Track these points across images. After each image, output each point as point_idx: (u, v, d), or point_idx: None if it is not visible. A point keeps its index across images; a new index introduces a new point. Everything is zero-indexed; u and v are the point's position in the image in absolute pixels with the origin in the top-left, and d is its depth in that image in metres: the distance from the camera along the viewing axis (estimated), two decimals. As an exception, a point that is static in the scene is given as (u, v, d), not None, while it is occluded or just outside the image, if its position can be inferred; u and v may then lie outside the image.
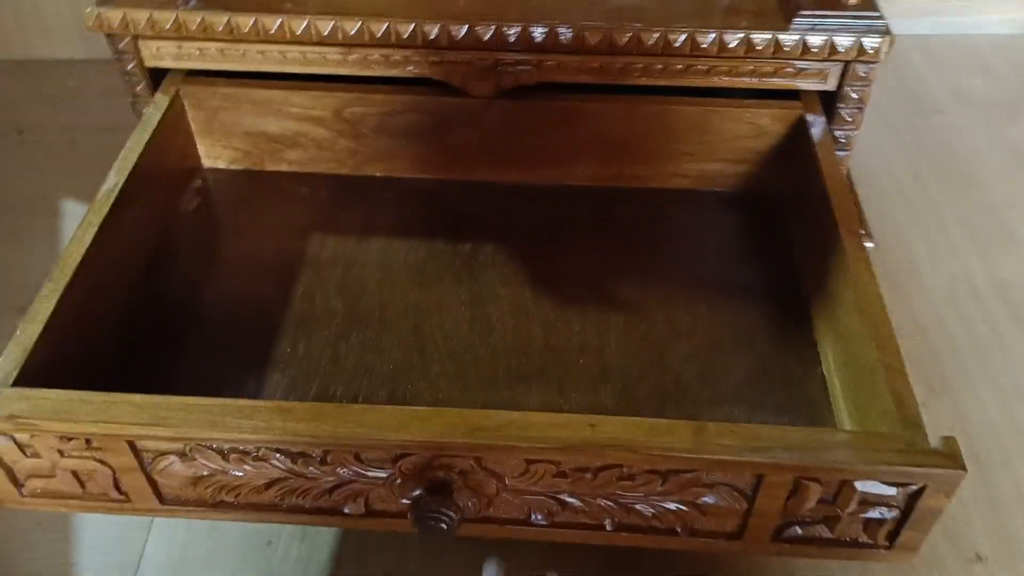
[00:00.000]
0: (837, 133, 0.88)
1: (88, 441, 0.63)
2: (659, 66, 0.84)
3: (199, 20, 0.83)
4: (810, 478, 0.60)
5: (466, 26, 0.81)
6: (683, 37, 0.80)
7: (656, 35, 0.81)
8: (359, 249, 0.87)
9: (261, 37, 0.83)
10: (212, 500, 0.68)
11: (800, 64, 0.84)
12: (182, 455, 0.64)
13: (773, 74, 0.84)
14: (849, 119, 0.88)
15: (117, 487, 0.67)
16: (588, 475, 0.62)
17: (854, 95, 0.86)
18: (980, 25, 1.46)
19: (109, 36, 0.85)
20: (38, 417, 0.61)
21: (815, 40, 0.81)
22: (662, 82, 0.85)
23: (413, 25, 0.81)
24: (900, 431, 0.60)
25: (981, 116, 1.31)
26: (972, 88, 1.37)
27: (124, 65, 0.89)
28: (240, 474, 0.65)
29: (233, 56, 0.87)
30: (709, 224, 0.91)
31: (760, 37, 0.81)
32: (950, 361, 0.98)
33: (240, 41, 0.84)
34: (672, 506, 0.63)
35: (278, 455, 0.63)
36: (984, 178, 1.21)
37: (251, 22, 0.81)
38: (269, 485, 0.66)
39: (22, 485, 0.68)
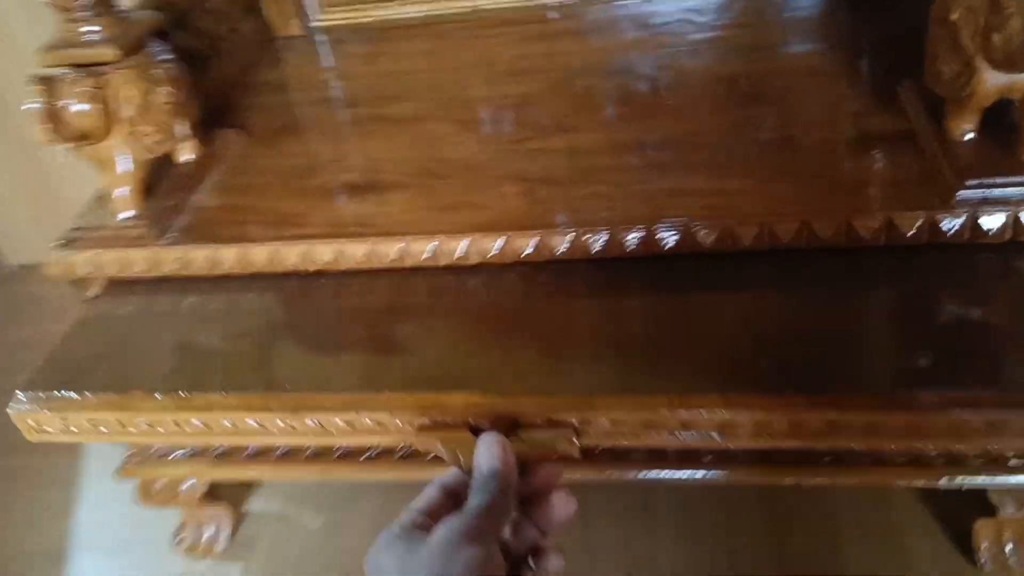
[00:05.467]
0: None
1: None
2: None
3: (178, 256, 0.68)
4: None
5: (503, 239, 0.63)
6: (790, 228, 0.59)
7: (752, 229, 0.59)
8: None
9: (248, 271, 0.68)
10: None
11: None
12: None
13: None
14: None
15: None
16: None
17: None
18: None
19: (79, 281, 0.71)
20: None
21: (991, 220, 0.56)
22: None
23: (436, 243, 0.64)
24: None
25: None
26: None
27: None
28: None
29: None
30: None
31: (907, 219, 0.57)
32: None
33: (226, 277, 0.69)
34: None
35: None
36: None
37: (234, 254, 0.67)
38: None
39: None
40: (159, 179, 0.73)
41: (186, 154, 0.75)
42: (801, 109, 0.73)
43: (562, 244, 0.63)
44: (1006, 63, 0.55)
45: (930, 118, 0.64)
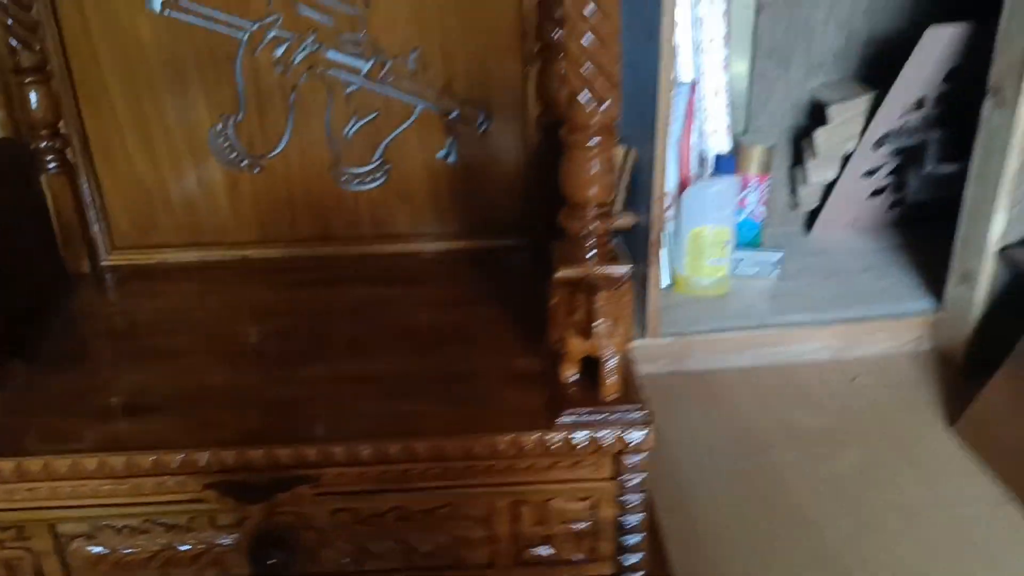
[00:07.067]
0: (623, 520, 0.90)
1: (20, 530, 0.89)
2: (437, 470, 0.86)
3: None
4: (520, 500, 0.88)
5: (234, 451, 0.83)
6: (455, 445, 0.84)
7: (427, 445, 0.84)
8: None
9: (24, 479, 0.84)
10: (111, 578, 0.92)
11: (572, 458, 0.86)
12: (89, 536, 0.89)
13: (552, 466, 0.87)
14: (629, 505, 0.89)
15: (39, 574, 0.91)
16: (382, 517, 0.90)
17: (629, 483, 0.88)
18: (799, 353, 1.55)
19: None
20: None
21: (580, 437, 0.84)
22: (447, 483, 0.87)
23: (183, 455, 0.83)
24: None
25: (807, 450, 1.34)
26: (797, 421, 1.41)
27: None
28: (130, 550, 0.90)
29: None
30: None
31: (528, 438, 0.84)
32: None
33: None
34: (442, 540, 0.91)
35: (156, 526, 0.89)
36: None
37: (11, 466, 0.83)
38: (152, 558, 0.91)
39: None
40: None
41: (-31, 383, 0.90)
42: (479, 351, 0.98)
43: (284, 455, 0.84)
44: (583, 335, 0.83)
45: (555, 363, 0.91)
